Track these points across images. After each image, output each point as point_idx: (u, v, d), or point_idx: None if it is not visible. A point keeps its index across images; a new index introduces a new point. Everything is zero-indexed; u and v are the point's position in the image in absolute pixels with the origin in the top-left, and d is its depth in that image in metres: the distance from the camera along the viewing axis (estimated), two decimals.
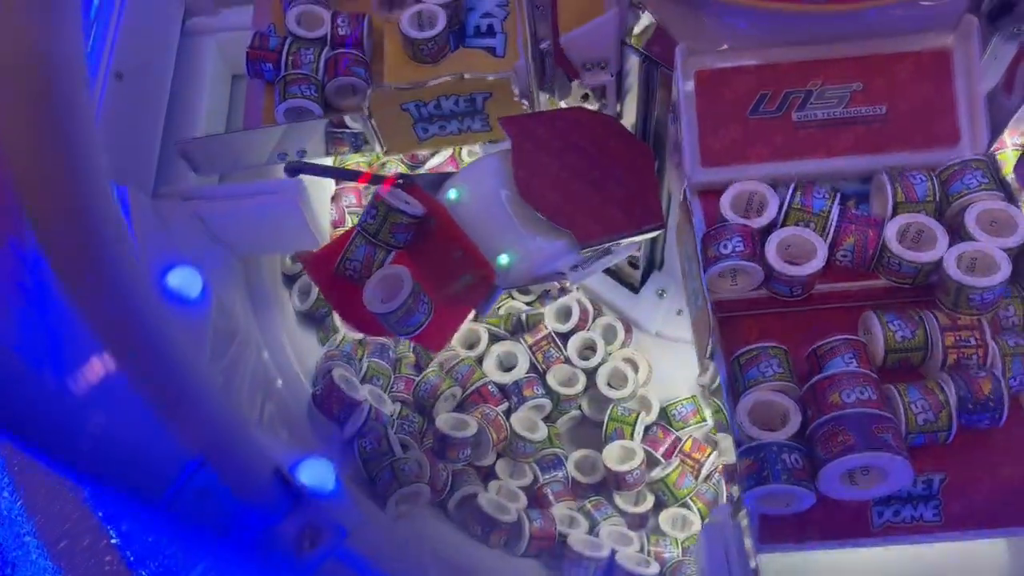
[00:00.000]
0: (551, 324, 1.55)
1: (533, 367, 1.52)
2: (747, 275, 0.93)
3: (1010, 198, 0.91)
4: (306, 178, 1.27)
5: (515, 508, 1.34)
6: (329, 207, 1.65)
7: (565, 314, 1.57)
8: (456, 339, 1.56)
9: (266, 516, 0.90)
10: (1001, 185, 0.91)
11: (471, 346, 1.57)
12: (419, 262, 1.02)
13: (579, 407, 1.52)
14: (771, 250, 0.91)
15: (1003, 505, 0.86)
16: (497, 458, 1.45)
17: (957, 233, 0.91)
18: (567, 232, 1.00)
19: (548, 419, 1.51)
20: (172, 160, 1.29)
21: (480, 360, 1.54)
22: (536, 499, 1.42)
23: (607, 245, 1.03)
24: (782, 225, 0.94)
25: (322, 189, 1.63)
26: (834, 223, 0.92)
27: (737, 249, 0.91)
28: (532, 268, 1.02)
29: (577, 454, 1.48)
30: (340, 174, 1.30)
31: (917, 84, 0.96)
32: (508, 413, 1.47)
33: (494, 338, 1.57)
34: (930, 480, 0.86)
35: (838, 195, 0.93)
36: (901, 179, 0.94)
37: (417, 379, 1.49)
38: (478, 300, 1.01)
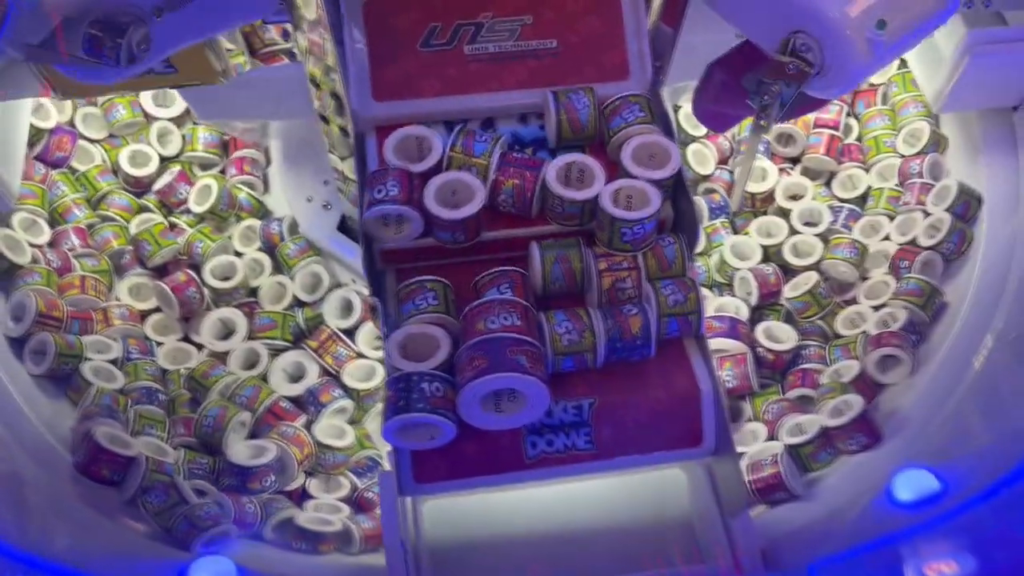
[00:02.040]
0: (333, 323, 1.45)
1: (325, 371, 1.41)
2: (407, 221, 0.89)
3: (668, 132, 0.92)
4: None
5: (338, 518, 1.23)
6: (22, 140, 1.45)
7: (346, 308, 1.47)
8: (232, 361, 1.41)
9: None
10: (659, 119, 0.93)
11: (251, 366, 1.42)
12: None
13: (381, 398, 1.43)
14: (429, 195, 0.88)
15: (653, 430, 0.87)
16: (307, 477, 1.33)
17: (618, 168, 0.92)
18: None
19: (353, 422, 1.40)
20: None
21: (264, 378, 1.41)
22: (360, 506, 1.32)
23: None
24: (445, 170, 0.91)
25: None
26: (494, 166, 0.89)
27: (392, 193, 0.87)
28: None
29: None
30: None
31: (587, 18, 0.97)
32: (309, 426, 1.35)
33: (275, 352, 1.44)
34: (580, 405, 0.86)
35: (501, 139, 0.92)
36: (567, 102, 0.93)
37: (195, 416, 1.32)
38: None
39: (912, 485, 1.01)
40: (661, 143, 0.90)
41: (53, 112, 1.56)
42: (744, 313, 1.48)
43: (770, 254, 1.57)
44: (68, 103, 1.60)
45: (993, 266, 1.38)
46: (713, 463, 0.93)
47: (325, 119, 1.43)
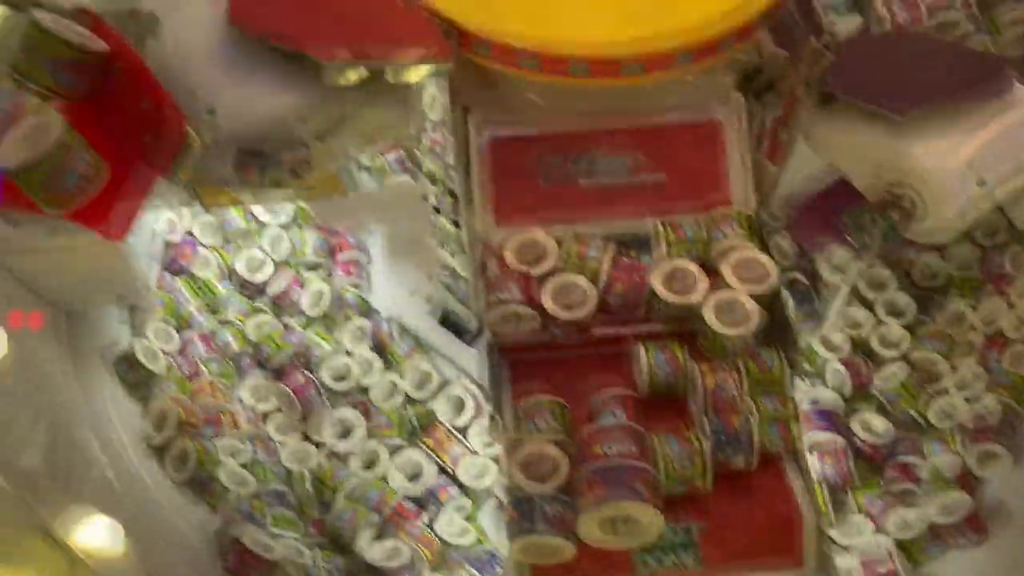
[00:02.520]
0: (447, 420, 1.52)
1: (441, 469, 1.48)
2: (526, 319, 0.98)
3: (764, 248, 0.99)
4: None
5: None
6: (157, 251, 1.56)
7: (458, 405, 1.54)
8: (354, 461, 1.49)
9: None
10: (756, 237, 1.00)
11: (370, 464, 1.50)
12: (97, 119, 0.83)
13: (495, 495, 1.50)
14: (546, 296, 0.97)
15: (755, 552, 0.93)
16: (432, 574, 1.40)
17: (718, 277, 0.99)
18: (303, 73, 0.87)
19: (469, 518, 1.47)
20: None
21: (384, 478, 1.48)
22: None
23: (363, 71, 0.87)
24: (560, 272, 0.99)
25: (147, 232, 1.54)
26: (605, 270, 0.97)
27: (515, 295, 0.97)
28: (252, 122, 0.88)
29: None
30: None
31: (693, 154, 1.05)
32: (431, 524, 1.42)
33: (392, 450, 1.51)
34: (689, 528, 0.92)
35: (611, 245, 1.00)
36: (672, 224, 1.02)
37: (327, 518, 1.40)
38: (167, 160, 0.83)
39: None
40: (759, 259, 0.98)
41: (177, 224, 1.67)
42: (837, 404, 1.54)
43: (857, 344, 1.63)
44: (186, 212, 1.71)
45: None
46: None
47: (438, 210, 1.52)
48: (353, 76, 0.90)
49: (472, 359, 1.59)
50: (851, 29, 0.98)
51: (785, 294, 1.00)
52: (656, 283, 0.97)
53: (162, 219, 1.62)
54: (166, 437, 1.41)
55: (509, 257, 1.00)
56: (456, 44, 0.98)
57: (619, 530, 0.86)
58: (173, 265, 1.66)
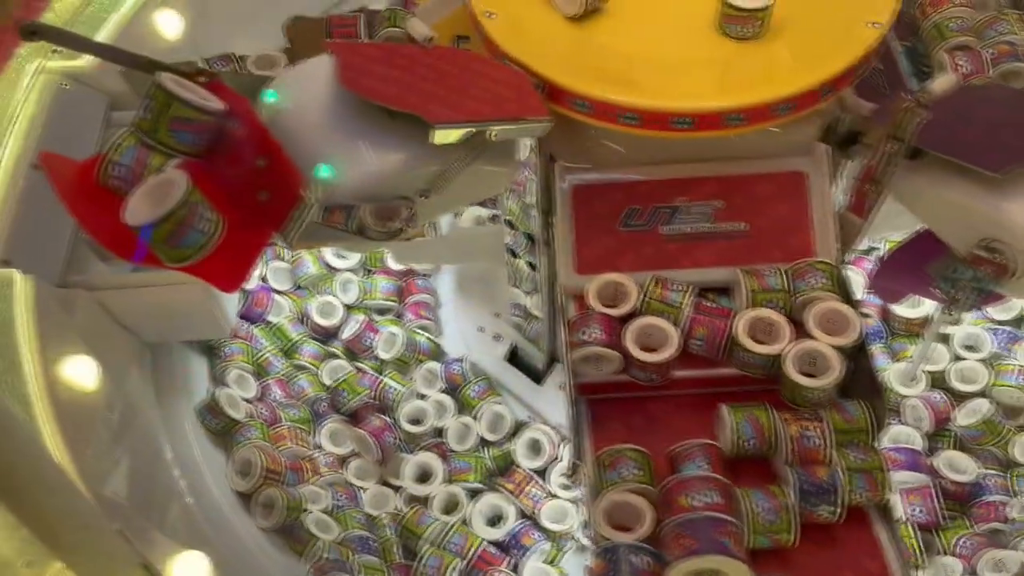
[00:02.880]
0: (525, 464, 1.53)
1: (522, 513, 1.49)
2: (608, 361, 0.98)
3: (848, 300, 0.98)
4: None
5: None
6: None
7: (534, 448, 1.55)
8: (435, 506, 1.50)
9: None
10: (840, 287, 0.99)
11: (449, 509, 1.50)
12: (214, 176, 0.86)
13: (575, 538, 1.49)
14: (628, 338, 0.97)
15: None
16: None
17: (801, 328, 0.98)
18: (409, 140, 0.90)
19: (550, 562, 1.47)
20: (85, 250, 1.29)
21: (465, 522, 1.48)
22: None
23: (469, 131, 0.90)
24: (641, 315, 0.99)
25: None
26: (687, 313, 0.98)
27: (596, 336, 0.97)
28: (362, 179, 0.91)
29: None
30: (97, 49, 1.04)
31: (776, 203, 1.05)
32: (515, 568, 1.42)
33: (472, 494, 1.52)
34: None
35: (692, 288, 1.00)
36: (755, 273, 1.01)
37: (414, 565, 1.40)
38: (281, 217, 0.84)
39: None
40: (842, 311, 0.97)
41: (256, 274, 1.70)
42: (919, 443, 1.52)
43: (935, 380, 1.61)
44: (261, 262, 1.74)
45: None
46: None
47: (515, 254, 1.53)
48: (457, 135, 0.92)
49: (542, 398, 1.61)
50: (945, 86, 0.97)
51: (869, 347, 0.98)
52: (740, 331, 0.97)
53: None
54: (252, 484, 1.43)
55: (591, 299, 1.01)
56: (546, 96, 1.00)
57: None
58: (250, 313, 1.69)
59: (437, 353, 1.71)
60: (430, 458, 1.55)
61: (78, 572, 0.84)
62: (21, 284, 1.16)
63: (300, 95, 0.94)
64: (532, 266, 1.49)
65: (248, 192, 0.87)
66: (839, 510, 0.90)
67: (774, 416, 0.94)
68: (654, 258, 1.04)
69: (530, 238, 1.40)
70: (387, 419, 1.58)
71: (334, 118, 0.92)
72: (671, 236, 1.05)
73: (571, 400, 0.99)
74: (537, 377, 1.63)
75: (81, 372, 1.17)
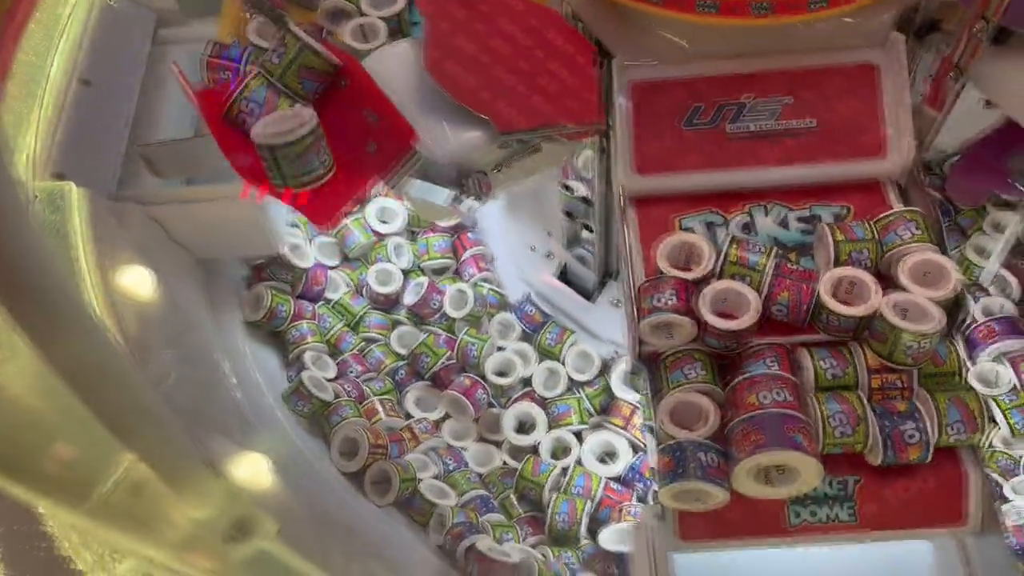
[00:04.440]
0: (627, 397, 1.49)
1: (633, 446, 1.46)
2: (680, 328, 0.90)
3: (942, 249, 0.92)
4: None
5: None
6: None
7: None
8: (544, 453, 1.46)
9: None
10: (933, 236, 0.92)
11: (559, 456, 1.47)
12: (327, 122, 0.92)
13: None
14: (705, 304, 0.89)
15: (915, 506, 0.89)
16: None
17: (891, 285, 0.91)
18: (485, 120, 0.96)
19: None
20: (137, 165, 1.33)
21: (580, 462, 1.46)
22: None
23: (534, 137, 0.98)
24: (718, 278, 0.91)
25: None
26: (769, 277, 0.90)
27: (670, 302, 0.89)
28: (441, 156, 0.97)
29: None
30: None
31: (846, 98, 0.99)
32: (644, 500, 1.39)
33: (577, 436, 1.49)
34: (845, 481, 0.88)
35: (774, 249, 0.92)
36: (841, 225, 0.95)
37: (546, 515, 1.38)
38: (386, 165, 0.94)
39: None
40: (938, 261, 0.89)
41: (309, 252, 1.63)
42: (1011, 309, 1.52)
43: (1015, 250, 1.60)
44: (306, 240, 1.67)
45: None
46: (973, 542, 0.92)
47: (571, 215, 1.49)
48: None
49: (592, 316, 1.57)
50: None
51: (965, 296, 0.91)
52: (824, 293, 0.88)
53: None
54: (361, 463, 1.38)
55: (660, 261, 0.93)
56: None
57: (773, 480, 0.82)
58: (309, 292, 1.63)
59: (504, 303, 1.66)
60: (527, 407, 1.51)
61: (150, 465, 0.90)
62: (75, 196, 1.19)
63: (386, 76, 0.98)
64: (588, 228, 1.45)
65: (358, 142, 0.93)
66: (923, 436, 0.85)
67: (858, 355, 0.89)
68: (718, 157, 0.99)
69: (586, 201, 1.37)
70: (475, 376, 1.54)
71: (420, 94, 0.98)
72: (736, 134, 0.99)
73: (642, 370, 0.94)
74: (587, 294, 1.59)
75: (137, 281, 1.21)
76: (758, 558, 0.92)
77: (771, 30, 0.96)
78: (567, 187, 1.47)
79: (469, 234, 1.72)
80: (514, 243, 1.67)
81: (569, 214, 1.54)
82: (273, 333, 1.57)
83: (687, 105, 1.00)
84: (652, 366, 0.93)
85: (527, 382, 1.58)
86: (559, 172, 1.42)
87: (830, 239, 0.92)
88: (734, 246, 0.91)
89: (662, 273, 0.92)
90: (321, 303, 1.64)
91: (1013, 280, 1.53)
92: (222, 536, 0.94)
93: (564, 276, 1.61)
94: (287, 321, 1.55)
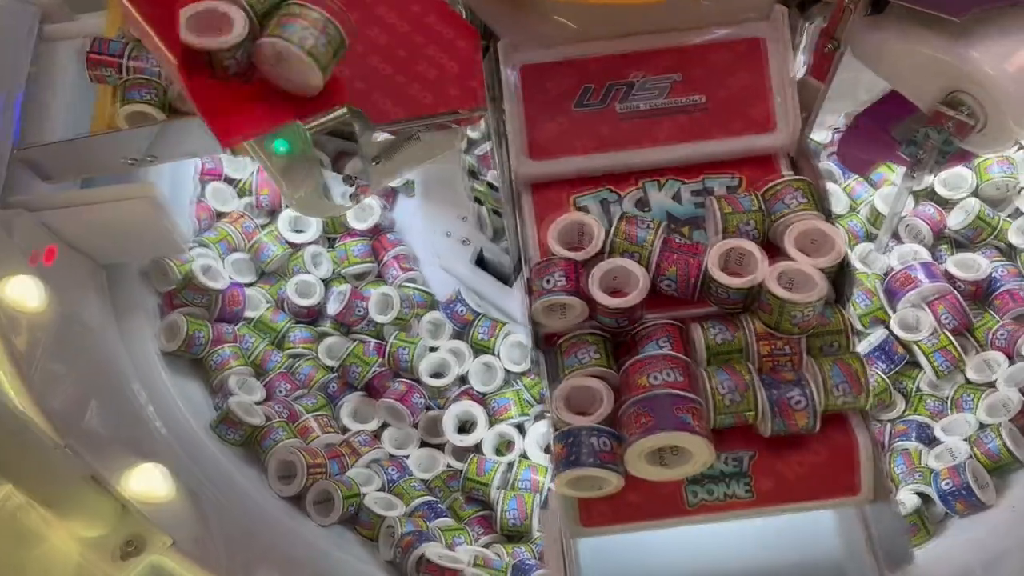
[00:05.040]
0: None
1: None
2: (572, 308, 0.90)
3: (828, 217, 0.93)
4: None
5: None
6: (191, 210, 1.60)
7: None
8: (488, 450, 1.44)
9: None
10: (819, 205, 0.94)
11: (503, 451, 1.45)
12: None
13: None
14: (594, 283, 0.89)
15: (810, 480, 0.90)
16: None
17: (780, 254, 0.91)
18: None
19: None
20: (24, 172, 1.28)
21: (525, 455, 1.44)
22: None
23: (412, 127, 0.94)
24: (608, 256, 0.92)
25: (181, 189, 1.61)
26: (656, 253, 0.90)
27: (560, 284, 0.89)
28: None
29: None
30: None
31: (734, 73, 1.00)
32: None
33: (519, 428, 1.47)
34: (740, 458, 0.89)
35: (662, 224, 0.93)
36: (727, 197, 0.96)
37: (495, 513, 1.35)
38: (305, 115, 0.87)
39: None
40: (823, 229, 0.90)
41: (222, 271, 1.56)
42: (925, 255, 1.55)
43: (919, 197, 1.64)
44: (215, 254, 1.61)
45: None
46: (869, 511, 0.94)
47: (480, 201, 1.46)
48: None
49: (513, 301, 1.56)
50: None
51: (849, 259, 0.92)
52: (712, 266, 0.88)
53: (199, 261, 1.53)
54: (300, 485, 1.33)
55: (552, 242, 0.92)
56: None
57: (668, 462, 0.83)
58: (226, 314, 1.56)
59: (432, 302, 1.63)
60: (466, 406, 1.49)
61: (26, 491, 0.88)
62: None
63: None
64: (497, 213, 1.43)
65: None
66: (809, 401, 0.85)
67: (747, 323, 0.90)
68: (610, 138, 0.98)
69: (491, 186, 1.34)
70: (409, 380, 1.50)
71: None
72: (627, 114, 0.99)
73: (535, 349, 0.93)
74: (505, 279, 1.58)
75: (24, 291, 1.16)
76: (665, 534, 0.91)
77: (659, 8, 0.96)
78: (472, 173, 1.45)
79: (388, 235, 1.68)
80: (429, 231, 1.64)
81: (478, 200, 1.52)
82: (193, 361, 1.50)
83: (577, 86, 0.99)
84: (548, 353, 0.92)
85: (464, 380, 1.55)
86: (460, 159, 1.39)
87: (717, 211, 0.93)
88: (623, 223, 0.91)
89: (553, 255, 0.91)
90: (241, 323, 1.58)
91: (924, 226, 1.57)
92: (113, 554, 0.94)
93: (481, 261, 1.60)
94: (206, 347, 1.48)
